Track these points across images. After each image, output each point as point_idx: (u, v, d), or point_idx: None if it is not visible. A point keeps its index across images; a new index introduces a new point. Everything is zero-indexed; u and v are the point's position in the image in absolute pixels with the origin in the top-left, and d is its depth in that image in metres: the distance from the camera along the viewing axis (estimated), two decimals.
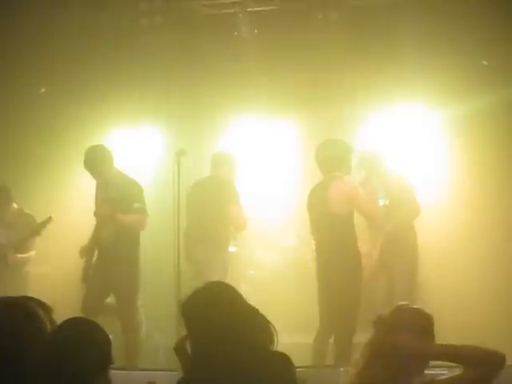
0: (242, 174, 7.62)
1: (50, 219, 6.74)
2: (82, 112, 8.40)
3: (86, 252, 6.53)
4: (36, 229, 6.79)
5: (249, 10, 7.83)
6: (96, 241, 6.45)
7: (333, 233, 5.89)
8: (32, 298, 2.67)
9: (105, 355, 2.39)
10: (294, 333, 6.23)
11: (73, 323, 2.46)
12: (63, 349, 2.32)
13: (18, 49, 7.89)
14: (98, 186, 6.63)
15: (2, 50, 7.81)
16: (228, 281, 7.10)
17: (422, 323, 2.93)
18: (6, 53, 7.87)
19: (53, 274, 7.53)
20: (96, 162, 6.46)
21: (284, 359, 2.81)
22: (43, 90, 8.51)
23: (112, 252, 6.35)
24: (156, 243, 7.26)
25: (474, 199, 7.38)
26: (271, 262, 8.01)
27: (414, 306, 3.06)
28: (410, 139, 8.21)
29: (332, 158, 5.98)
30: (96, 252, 6.53)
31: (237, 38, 7.97)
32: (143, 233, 6.71)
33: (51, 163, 8.20)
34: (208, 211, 6.95)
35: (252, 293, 7.56)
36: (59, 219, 7.19)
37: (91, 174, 6.55)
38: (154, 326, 7.14)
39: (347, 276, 5.73)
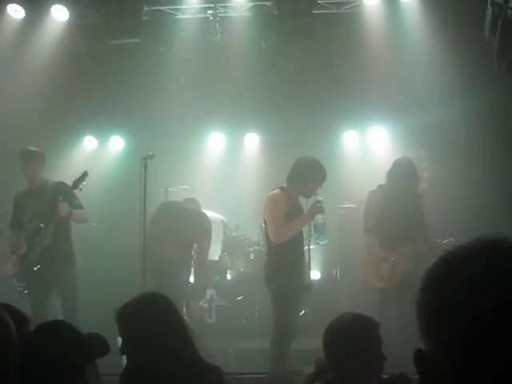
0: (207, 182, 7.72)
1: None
2: (51, 119, 8.37)
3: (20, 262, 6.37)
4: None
5: (220, 15, 7.84)
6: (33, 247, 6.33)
7: (266, 241, 6.03)
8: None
9: (74, 356, 2.36)
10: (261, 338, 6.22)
11: (41, 328, 2.43)
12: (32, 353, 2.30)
13: None
14: (25, 193, 6.55)
15: None
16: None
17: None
18: None
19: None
20: (38, 165, 6.45)
21: (214, 370, 2.85)
22: None
23: (53, 253, 6.25)
24: (123, 244, 7.21)
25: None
26: (239, 267, 8.03)
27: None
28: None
29: (292, 172, 5.96)
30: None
31: (207, 43, 7.96)
32: (111, 233, 6.70)
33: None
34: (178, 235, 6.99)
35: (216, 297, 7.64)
36: None
37: (31, 175, 6.47)
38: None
39: (275, 285, 5.74)
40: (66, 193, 6.25)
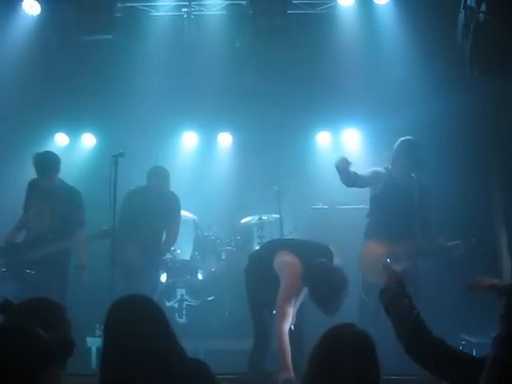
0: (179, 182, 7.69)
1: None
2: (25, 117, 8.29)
3: None
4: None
5: (195, 13, 7.80)
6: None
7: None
8: None
9: (38, 356, 2.31)
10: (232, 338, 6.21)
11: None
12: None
13: None
14: (37, 192, 6.59)
15: None
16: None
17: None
18: None
19: None
20: (48, 167, 6.55)
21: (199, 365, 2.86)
22: None
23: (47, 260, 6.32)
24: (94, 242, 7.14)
25: None
26: (210, 267, 8.00)
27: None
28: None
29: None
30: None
31: (182, 41, 7.92)
32: None
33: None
34: (148, 218, 7.04)
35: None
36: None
37: (42, 178, 6.57)
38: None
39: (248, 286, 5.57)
40: (76, 203, 6.54)
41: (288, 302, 4.99)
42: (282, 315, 4.93)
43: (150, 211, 7.10)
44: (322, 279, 4.90)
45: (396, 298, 3.09)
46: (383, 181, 6.09)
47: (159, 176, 7.49)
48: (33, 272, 6.30)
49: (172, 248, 7.88)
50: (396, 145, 6.18)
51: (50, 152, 6.79)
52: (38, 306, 2.90)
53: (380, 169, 6.18)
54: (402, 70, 7.80)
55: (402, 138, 6.25)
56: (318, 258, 5.09)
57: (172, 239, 7.38)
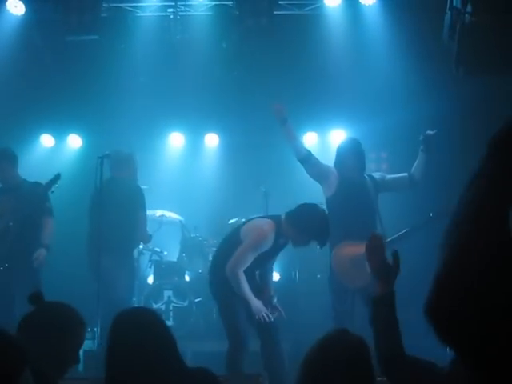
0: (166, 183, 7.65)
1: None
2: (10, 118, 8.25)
3: None
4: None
5: (181, 14, 7.78)
6: None
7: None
8: None
9: (7, 365, 2.28)
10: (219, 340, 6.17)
11: None
12: None
13: None
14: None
15: None
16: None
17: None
18: None
19: None
20: (10, 163, 6.47)
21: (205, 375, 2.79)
22: None
23: (20, 253, 6.26)
24: (79, 244, 7.08)
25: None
26: (197, 268, 7.98)
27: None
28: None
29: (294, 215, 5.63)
30: None
31: (168, 42, 7.89)
32: (67, 232, 6.65)
33: None
34: (115, 216, 6.57)
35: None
36: None
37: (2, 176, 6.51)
38: None
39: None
40: (40, 194, 6.30)
41: (248, 253, 5.23)
42: (237, 260, 5.21)
43: (118, 209, 6.64)
44: (310, 214, 5.23)
45: (388, 312, 2.74)
46: (336, 180, 5.96)
47: (125, 163, 6.91)
48: (6, 265, 6.20)
49: (158, 249, 7.88)
50: (342, 145, 6.11)
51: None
52: (63, 311, 2.98)
53: (332, 167, 6.04)
54: (389, 71, 7.82)
55: (346, 139, 6.40)
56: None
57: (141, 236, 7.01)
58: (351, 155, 5.94)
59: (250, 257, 5.26)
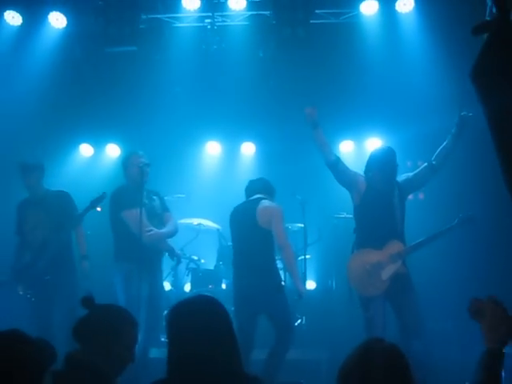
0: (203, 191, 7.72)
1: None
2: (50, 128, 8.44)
3: None
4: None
5: (218, 24, 7.85)
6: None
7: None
8: None
9: (33, 367, 2.34)
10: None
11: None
12: None
13: None
14: (27, 202, 6.62)
15: None
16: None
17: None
18: None
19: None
20: (37, 178, 6.57)
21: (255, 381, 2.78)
22: None
23: (57, 263, 6.37)
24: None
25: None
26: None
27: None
28: None
29: None
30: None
31: (205, 52, 7.97)
32: (106, 241, 6.73)
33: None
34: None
35: None
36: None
37: (31, 187, 6.59)
38: None
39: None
40: (67, 203, 6.47)
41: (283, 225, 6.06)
42: (283, 234, 5.97)
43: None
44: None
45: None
46: (363, 188, 5.97)
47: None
48: (48, 277, 6.31)
49: (195, 257, 7.93)
50: (374, 154, 6.05)
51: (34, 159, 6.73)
52: (114, 313, 3.10)
53: (361, 175, 6.04)
54: (425, 79, 7.78)
55: (379, 148, 6.25)
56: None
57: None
58: (382, 165, 5.89)
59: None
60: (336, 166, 5.92)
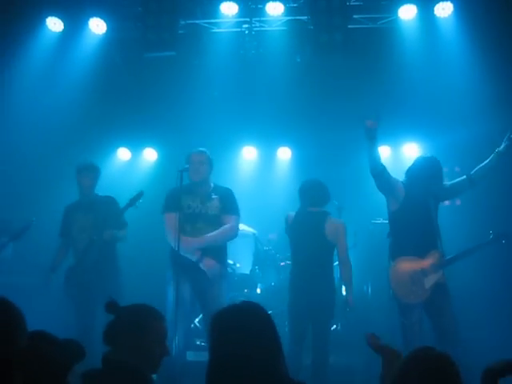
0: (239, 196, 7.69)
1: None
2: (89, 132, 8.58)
3: None
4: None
5: (256, 29, 7.89)
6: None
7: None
8: None
9: (57, 366, 2.38)
10: None
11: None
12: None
13: None
14: (76, 205, 6.72)
15: None
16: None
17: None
18: None
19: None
20: (93, 179, 6.69)
21: None
22: None
23: (101, 266, 6.45)
24: (157, 257, 7.24)
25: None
26: (269, 281, 8.02)
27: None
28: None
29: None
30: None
31: (243, 57, 8.00)
32: (144, 246, 6.79)
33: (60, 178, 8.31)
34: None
35: None
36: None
37: (86, 187, 6.68)
38: None
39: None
40: (115, 209, 6.53)
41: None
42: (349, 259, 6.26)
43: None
44: None
45: None
46: (402, 194, 5.93)
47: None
48: (92, 278, 6.42)
49: (231, 262, 7.96)
50: (417, 161, 6.02)
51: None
52: (139, 311, 3.12)
53: (400, 182, 6.01)
54: (463, 84, 7.70)
55: (424, 157, 6.13)
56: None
57: None
58: (424, 174, 5.88)
59: None
60: (382, 175, 5.89)
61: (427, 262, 5.77)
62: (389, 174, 5.94)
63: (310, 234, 6.30)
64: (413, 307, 5.72)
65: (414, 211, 5.85)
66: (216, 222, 6.06)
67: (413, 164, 6.04)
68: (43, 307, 6.30)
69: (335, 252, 6.25)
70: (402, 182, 6.00)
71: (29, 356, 2.31)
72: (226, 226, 6.11)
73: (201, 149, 6.27)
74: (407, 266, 5.79)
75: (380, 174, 5.88)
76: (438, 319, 5.64)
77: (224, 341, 2.74)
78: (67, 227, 6.72)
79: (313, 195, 6.45)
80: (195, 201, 6.07)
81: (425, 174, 5.87)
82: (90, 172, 6.66)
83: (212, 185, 6.22)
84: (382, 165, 5.91)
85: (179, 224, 5.82)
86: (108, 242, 6.50)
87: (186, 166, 6.14)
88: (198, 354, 6.49)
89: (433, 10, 7.46)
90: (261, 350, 2.68)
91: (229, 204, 6.20)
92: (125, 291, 6.49)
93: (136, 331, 3.02)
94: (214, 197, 6.16)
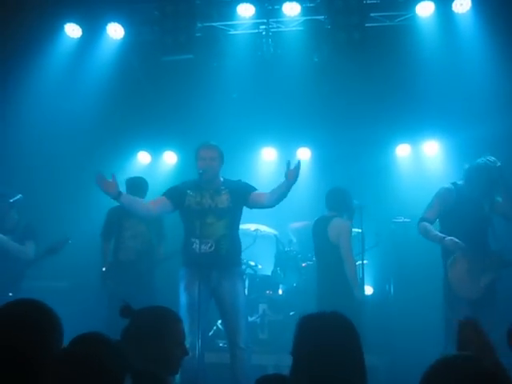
0: None
1: (66, 240, 6.66)
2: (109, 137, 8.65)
3: None
4: (53, 248, 6.62)
5: (273, 30, 7.88)
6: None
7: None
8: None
9: (115, 369, 2.38)
10: None
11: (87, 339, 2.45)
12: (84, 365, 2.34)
13: None
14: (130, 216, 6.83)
15: None
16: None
17: None
18: None
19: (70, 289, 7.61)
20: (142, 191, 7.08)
21: None
22: None
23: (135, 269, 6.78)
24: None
25: None
26: (291, 282, 8.00)
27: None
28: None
29: None
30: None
31: (260, 58, 8.00)
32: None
33: (86, 181, 8.38)
34: None
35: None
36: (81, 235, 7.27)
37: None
38: None
39: None
40: (161, 219, 6.93)
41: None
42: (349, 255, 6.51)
43: None
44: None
45: None
46: (452, 197, 5.98)
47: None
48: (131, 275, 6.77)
49: (252, 263, 7.97)
50: (476, 165, 5.99)
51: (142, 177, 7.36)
52: (155, 314, 3.14)
53: (447, 187, 6.06)
54: (483, 79, 7.62)
55: (482, 160, 6.06)
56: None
57: None
58: (478, 179, 5.92)
59: None
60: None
61: (486, 261, 5.81)
62: (429, 213, 6.03)
63: (317, 238, 6.81)
64: (465, 303, 5.74)
65: (466, 211, 5.89)
66: (226, 215, 5.96)
67: (470, 166, 6.04)
68: (78, 311, 6.40)
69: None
70: (452, 184, 6.06)
71: (84, 359, 2.33)
72: (269, 194, 6.11)
73: (211, 143, 6.12)
74: (469, 259, 5.82)
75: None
76: (485, 319, 5.56)
77: (313, 345, 2.70)
78: (113, 230, 7.05)
79: (328, 200, 6.82)
80: (205, 197, 5.94)
81: (483, 181, 5.89)
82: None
83: (222, 179, 6.12)
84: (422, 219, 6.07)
85: (189, 222, 5.90)
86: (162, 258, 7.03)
87: (201, 171, 6.11)
88: (219, 355, 6.50)
89: (450, 6, 7.40)
90: (347, 355, 2.68)
91: (244, 187, 6.10)
92: (157, 291, 6.82)
93: (152, 335, 3.02)
94: (223, 191, 6.03)
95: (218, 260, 5.85)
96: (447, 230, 5.95)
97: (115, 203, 6.36)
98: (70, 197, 8.34)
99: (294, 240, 8.21)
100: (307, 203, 8.64)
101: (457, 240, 5.73)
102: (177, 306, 6.96)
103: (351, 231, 6.74)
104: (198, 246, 5.76)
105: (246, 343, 5.68)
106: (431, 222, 6.01)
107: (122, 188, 6.94)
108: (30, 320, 2.51)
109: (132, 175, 8.84)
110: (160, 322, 3.07)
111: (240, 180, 6.19)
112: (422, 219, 6.04)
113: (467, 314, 5.58)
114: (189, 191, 5.96)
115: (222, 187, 6.04)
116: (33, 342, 2.44)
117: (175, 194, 5.97)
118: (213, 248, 5.84)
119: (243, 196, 6.00)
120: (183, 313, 5.61)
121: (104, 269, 6.96)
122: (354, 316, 5.80)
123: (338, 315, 2.83)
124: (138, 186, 7.13)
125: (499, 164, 5.93)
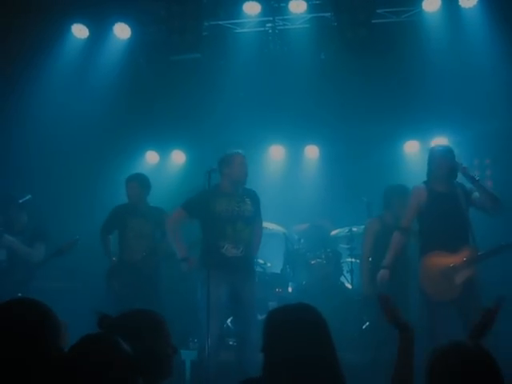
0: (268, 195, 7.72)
1: (76, 241, 6.65)
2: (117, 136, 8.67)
3: None
4: (62, 249, 6.63)
5: (279, 28, 7.87)
6: None
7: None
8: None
9: (127, 370, 2.37)
10: None
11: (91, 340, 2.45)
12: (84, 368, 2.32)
13: None
14: (129, 210, 6.94)
15: None
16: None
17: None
18: None
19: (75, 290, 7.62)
20: (146, 188, 7.04)
21: None
22: None
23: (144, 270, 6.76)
24: None
25: None
26: (301, 279, 7.99)
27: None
28: None
29: None
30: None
31: (267, 56, 8.00)
32: None
33: (93, 181, 8.41)
34: None
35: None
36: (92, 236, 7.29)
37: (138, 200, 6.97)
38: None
39: None
40: (161, 220, 6.75)
41: None
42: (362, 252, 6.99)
43: None
44: None
45: None
46: (423, 196, 5.91)
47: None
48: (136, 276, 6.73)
49: (261, 261, 7.96)
50: (429, 156, 5.97)
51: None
52: (137, 318, 2.99)
53: (417, 185, 6.05)
54: (491, 75, 7.60)
55: (432, 147, 6.12)
56: None
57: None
58: (436, 166, 5.86)
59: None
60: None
61: (459, 257, 5.65)
62: (411, 226, 6.10)
63: None
64: (442, 305, 5.62)
65: (441, 206, 5.79)
66: (252, 222, 6.29)
67: (428, 159, 6.00)
68: (84, 311, 6.40)
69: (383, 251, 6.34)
70: (422, 183, 6.01)
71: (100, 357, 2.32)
72: (259, 233, 6.45)
73: (241, 151, 6.43)
74: (438, 261, 5.69)
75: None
76: (466, 315, 5.47)
77: (280, 338, 2.72)
78: (116, 228, 7.00)
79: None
80: (231, 203, 6.20)
81: (440, 164, 5.82)
82: (131, 182, 6.97)
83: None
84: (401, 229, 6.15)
85: (219, 227, 6.06)
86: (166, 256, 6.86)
87: (214, 166, 6.18)
88: (229, 353, 6.49)
89: (457, 1, 7.38)
90: (317, 346, 2.67)
91: (258, 208, 6.43)
92: (163, 292, 6.79)
93: (141, 337, 2.87)
94: (246, 199, 6.32)
95: (246, 263, 6.16)
96: (426, 229, 5.88)
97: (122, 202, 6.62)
98: (77, 197, 8.37)
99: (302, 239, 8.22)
100: (315, 201, 8.64)
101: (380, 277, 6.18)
102: (181, 307, 7.05)
103: (369, 228, 7.08)
104: (228, 249, 6.04)
105: (257, 340, 5.70)
106: (406, 231, 6.08)
107: (122, 188, 7.04)
108: (29, 320, 2.50)
109: None
110: (139, 327, 2.90)
111: (256, 193, 6.49)
112: (397, 228, 6.15)
113: (447, 314, 5.58)
114: (216, 198, 6.19)
115: (244, 195, 6.34)
116: (31, 342, 2.44)
117: (195, 207, 6.23)
118: (243, 253, 6.11)
119: (257, 212, 6.41)
120: (205, 314, 5.63)
121: (114, 258, 6.96)
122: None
123: (303, 307, 2.82)
124: (145, 183, 7.10)
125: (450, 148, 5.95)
